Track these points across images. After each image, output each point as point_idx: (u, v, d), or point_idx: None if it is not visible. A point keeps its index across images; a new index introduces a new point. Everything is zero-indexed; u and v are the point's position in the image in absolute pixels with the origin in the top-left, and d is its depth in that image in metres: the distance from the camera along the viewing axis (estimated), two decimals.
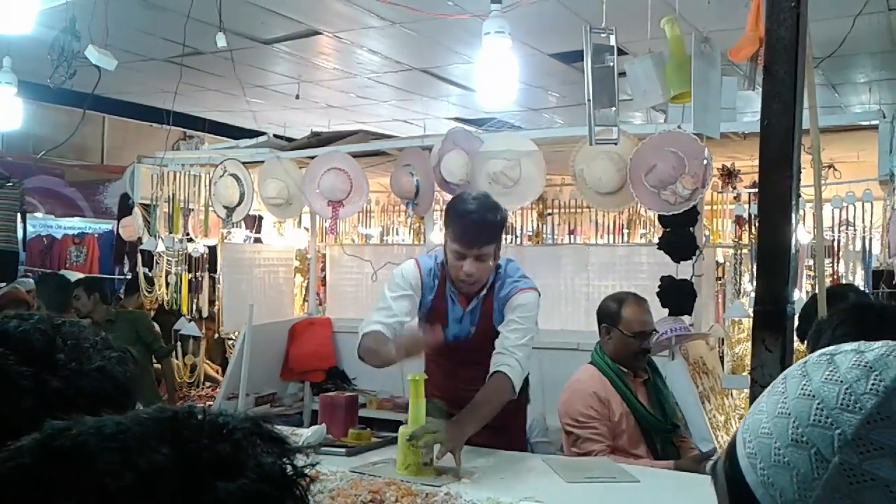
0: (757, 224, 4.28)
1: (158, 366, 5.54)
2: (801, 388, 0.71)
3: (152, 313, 5.94)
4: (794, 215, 1.25)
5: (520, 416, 2.98)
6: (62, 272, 6.60)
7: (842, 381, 0.69)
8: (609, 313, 3.05)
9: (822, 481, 0.66)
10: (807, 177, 2.10)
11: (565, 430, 2.97)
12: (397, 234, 6.79)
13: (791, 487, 0.68)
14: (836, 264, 4.57)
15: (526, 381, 2.95)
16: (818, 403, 0.69)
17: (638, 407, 2.94)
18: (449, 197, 3.71)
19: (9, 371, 0.77)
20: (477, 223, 2.58)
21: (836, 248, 4.54)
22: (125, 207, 6.12)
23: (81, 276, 6.20)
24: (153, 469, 0.53)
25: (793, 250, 1.25)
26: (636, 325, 2.98)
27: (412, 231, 6.52)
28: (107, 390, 0.80)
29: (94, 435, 0.56)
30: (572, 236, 6.21)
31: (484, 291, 2.72)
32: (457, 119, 7.94)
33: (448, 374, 2.83)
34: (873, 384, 0.67)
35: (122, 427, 0.57)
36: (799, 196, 1.32)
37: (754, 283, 4.55)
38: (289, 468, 0.60)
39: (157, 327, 5.54)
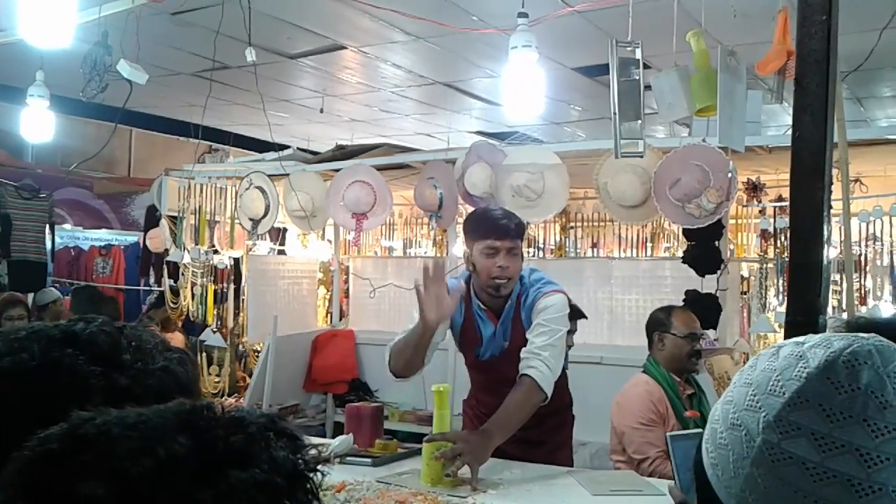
0: (784, 237, 4.26)
1: None
2: (745, 378, 0.77)
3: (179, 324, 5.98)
4: (826, 227, 1.25)
5: (564, 433, 2.95)
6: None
7: (775, 370, 0.74)
8: (659, 321, 3.21)
9: (749, 459, 0.71)
10: (833, 191, 2.10)
11: (621, 433, 3.05)
12: (420, 246, 6.81)
13: (729, 467, 0.74)
14: (863, 279, 4.52)
15: (570, 398, 2.95)
16: (752, 390, 0.74)
17: (684, 418, 3.02)
18: (472, 209, 3.74)
19: (79, 370, 0.79)
20: (504, 216, 2.73)
21: (863, 263, 4.50)
22: (152, 219, 6.19)
23: None
24: (170, 456, 0.56)
25: (824, 262, 1.25)
26: (687, 327, 3.15)
27: (435, 243, 6.55)
28: (171, 389, 0.83)
29: (117, 424, 0.59)
30: (595, 250, 6.21)
31: (510, 303, 2.72)
32: (480, 133, 7.96)
33: (489, 392, 2.81)
34: (798, 371, 0.71)
35: (144, 418, 0.60)
36: (830, 208, 1.32)
37: (780, 298, 4.56)
38: (301, 463, 0.63)
39: None
